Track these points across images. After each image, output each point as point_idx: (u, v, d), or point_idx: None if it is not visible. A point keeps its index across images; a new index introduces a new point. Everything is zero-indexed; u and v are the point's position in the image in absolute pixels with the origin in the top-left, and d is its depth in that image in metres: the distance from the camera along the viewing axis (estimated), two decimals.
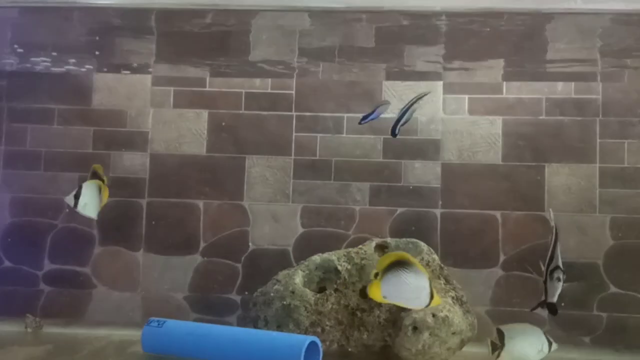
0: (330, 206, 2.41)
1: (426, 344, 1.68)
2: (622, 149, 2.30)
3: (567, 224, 2.27)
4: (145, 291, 2.41)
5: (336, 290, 1.83)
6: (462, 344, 1.77)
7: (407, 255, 1.59)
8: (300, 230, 2.41)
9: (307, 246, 2.34)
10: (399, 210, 2.39)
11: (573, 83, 2.34)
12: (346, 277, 1.84)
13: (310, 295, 1.80)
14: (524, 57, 2.31)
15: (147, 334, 1.70)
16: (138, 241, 2.42)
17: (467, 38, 2.17)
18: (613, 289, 2.26)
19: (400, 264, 1.57)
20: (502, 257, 2.32)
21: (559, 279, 1.82)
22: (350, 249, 1.94)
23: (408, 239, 1.99)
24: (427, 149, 2.40)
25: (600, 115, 2.32)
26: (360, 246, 1.95)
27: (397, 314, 1.75)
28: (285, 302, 1.77)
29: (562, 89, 2.35)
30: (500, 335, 1.85)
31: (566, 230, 2.27)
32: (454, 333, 1.71)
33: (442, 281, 1.84)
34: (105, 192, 1.97)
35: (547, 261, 1.86)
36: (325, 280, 1.86)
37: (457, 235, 2.35)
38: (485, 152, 2.37)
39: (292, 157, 2.44)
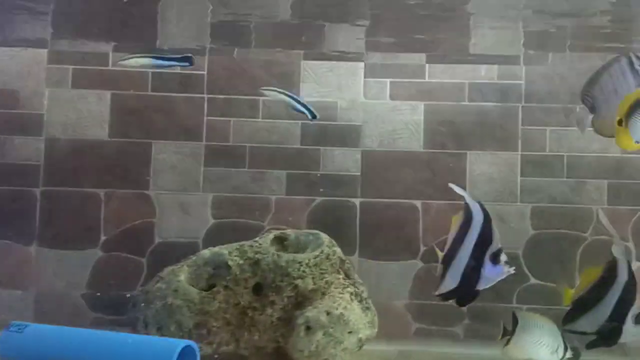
0: (244, 195, 2.25)
1: (320, 345, 1.58)
2: (544, 136, 2.24)
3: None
4: (39, 289, 2.20)
5: (226, 287, 1.69)
6: (361, 343, 1.68)
7: None
8: (212, 221, 2.25)
9: (218, 239, 2.15)
10: (317, 199, 2.26)
11: (496, 66, 2.27)
12: (237, 273, 1.71)
13: (194, 293, 1.66)
14: (448, 39, 2.24)
15: (5, 340, 1.52)
16: (31, 234, 2.21)
17: (390, 17, 2.07)
18: (533, 280, 2.21)
19: None
20: (422, 249, 2.24)
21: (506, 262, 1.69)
22: (244, 242, 1.80)
23: (309, 230, 1.87)
24: (347, 135, 2.28)
25: (523, 102, 2.26)
26: (255, 239, 1.82)
27: (291, 312, 1.64)
28: (166, 302, 1.62)
29: (486, 74, 2.28)
30: (515, 322, 1.71)
31: None
32: (350, 332, 1.61)
33: (342, 276, 1.73)
34: None
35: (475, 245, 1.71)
36: (215, 276, 1.72)
37: (377, 226, 2.24)
38: (407, 138, 2.27)
39: (203, 142, 2.27)
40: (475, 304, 2.16)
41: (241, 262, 1.70)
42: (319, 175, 2.24)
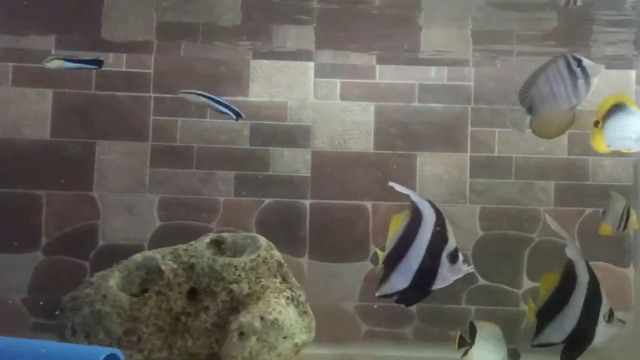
0: (191, 197, 2.21)
1: (253, 351, 1.55)
2: (493, 137, 2.25)
3: None
4: None
5: (158, 292, 1.65)
6: (297, 348, 1.66)
7: (625, 97, 1.51)
8: (158, 223, 2.19)
9: (165, 241, 2.09)
10: (267, 201, 2.23)
11: (446, 68, 2.26)
12: (171, 277, 1.67)
13: (124, 299, 1.62)
14: (398, 39, 2.22)
15: None
16: None
17: (340, 17, 2.05)
18: (482, 281, 2.22)
19: (619, 108, 1.51)
20: (372, 250, 2.22)
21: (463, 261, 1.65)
22: (178, 246, 1.76)
23: (246, 234, 1.84)
24: (297, 136, 2.25)
25: (472, 103, 2.26)
26: (191, 242, 1.78)
27: (226, 317, 1.61)
28: (95, 308, 1.58)
29: (435, 75, 2.27)
30: (473, 331, 1.72)
31: None
32: (285, 337, 1.59)
33: (279, 279, 1.70)
34: None
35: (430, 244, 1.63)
36: (148, 281, 1.68)
37: (327, 227, 2.22)
38: (357, 139, 2.25)
39: (150, 142, 2.21)
40: (425, 305, 2.20)
41: (175, 266, 1.66)
42: (261, 177, 2.20)
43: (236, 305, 1.61)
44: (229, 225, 2.18)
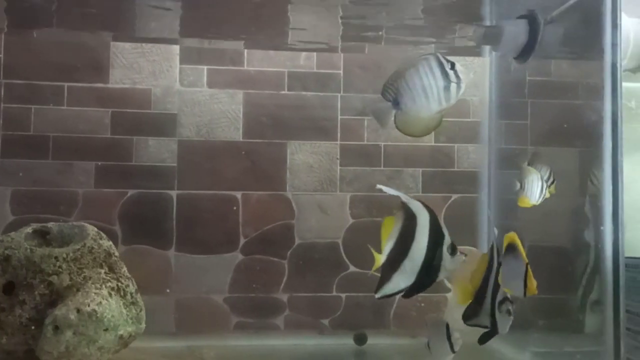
0: (47, 189, 2.08)
1: (70, 345, 1.46)
2: (362, 126, 2.26)
3: (308, 203, 2.20)
4: None
5: None
6: (124, 340, 1.59)
7: (516, 237, 1.56)
8: (11, 218, 2.05)
9: None
10: (130, 192, 2.13)
11: (315, 54, 2.24)
12: None
13: None
14: (266, 24, 2.17)
15: None
16: None
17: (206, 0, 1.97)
18: (352, 268, 2.23)
19: (511, 248, 1.56)
20: (242, 241, 2.18)
21: None
22: None
23: (74, 223, 1.74)
24: (162, 124, 2.16)
25: (342, 91, 2.26)
26: (9, 233, 1.66)
27: (43, 311, 1.52)
28: None
29: (305, 62, 2.24)
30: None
31: (308, 210, 2.22)
32: (106, 329, 1.51)
33: (104, 270, 1.61)
34: None
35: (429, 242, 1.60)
36: None
37: (195, 219, 2.15)
38: (226, 128, 2.20)
39: (0, 132, 2.07)
40: (296, 294, 2.19)
41: None
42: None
43: (56, 298, 1.52)
44: (90, 218, 2.06)
